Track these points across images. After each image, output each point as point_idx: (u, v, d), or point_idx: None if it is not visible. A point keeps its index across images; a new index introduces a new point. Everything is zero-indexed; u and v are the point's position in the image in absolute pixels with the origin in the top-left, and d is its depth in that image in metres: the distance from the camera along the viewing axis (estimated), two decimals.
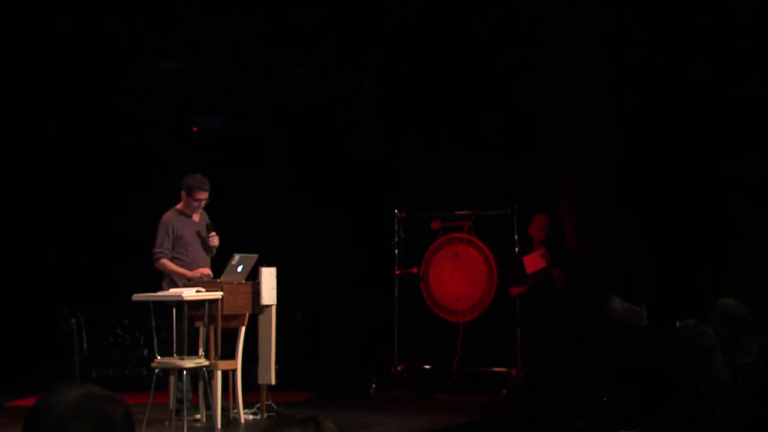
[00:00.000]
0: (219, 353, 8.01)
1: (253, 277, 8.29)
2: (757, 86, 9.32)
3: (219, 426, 7.88)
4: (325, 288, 11.19)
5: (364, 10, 10.25)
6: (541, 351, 9.65)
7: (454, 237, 10.32)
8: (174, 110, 11.80)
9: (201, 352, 8.02)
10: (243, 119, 11.86)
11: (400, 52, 10.78)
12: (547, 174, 10.38)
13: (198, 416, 8.19)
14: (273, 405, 8.45)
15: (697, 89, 9.54)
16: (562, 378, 9.13)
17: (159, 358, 7.90)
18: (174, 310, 7.93)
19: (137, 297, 7.94)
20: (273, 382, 8.39)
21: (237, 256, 8.12)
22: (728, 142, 9.49)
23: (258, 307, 8.28)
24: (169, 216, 8.59)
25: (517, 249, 10.01)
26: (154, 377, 7.87)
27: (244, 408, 8.26)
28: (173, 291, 8.05)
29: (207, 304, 7.94)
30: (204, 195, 8.54)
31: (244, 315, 8.22)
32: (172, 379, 8.06)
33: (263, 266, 8.27)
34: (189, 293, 7.87)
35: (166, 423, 7.91)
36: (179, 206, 8.65)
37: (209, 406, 8.01)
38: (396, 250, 10.48)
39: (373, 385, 10.06)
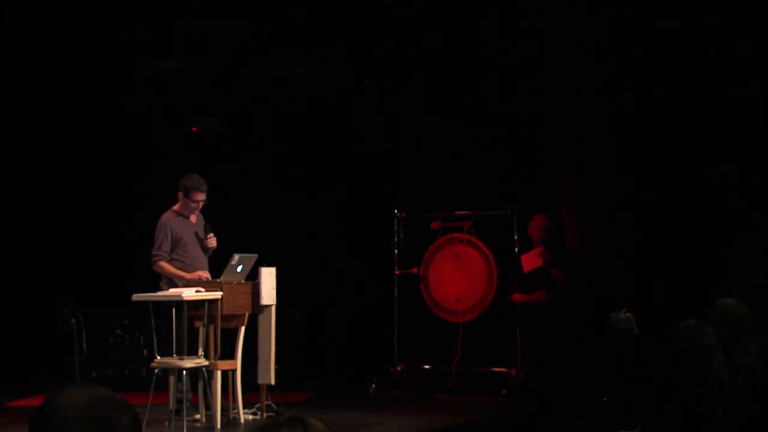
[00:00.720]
0: (219, 353, 8.01)
1: (253, 277, 8.28)
2: (757, 86, 9.31)
3: (219, 426, 7.87)
4: (324, 288, 11.19)
5: (364, 10, 10.24)
6: (541, 351, 9.64)
7: (454, 237, 10.31)
8: (174, 110, 11.79)
9: (201, 352, 8.01)
10: (243, 119, 11.85)
11: (400, 52, 10.77)
12: (547, 174, 10.37)
13: (198, 416, 8.19)
14: (273, 405, 8.44)
15: (697, 89, 9.53)
16: (562, 378, 9.12)
17: (159, 358, 7.90)
18: (174, 310, 7.92)
19: (137, 297, 7.93)
20: (273, 382, 8.38)
21: (236, 256, 8.11)
22: (728, 142, 9.48)
23: (258, 307, 8.28)
24: (167, 217, 8.57)
25: (516, 249, 10.00)
26: (154, 377, 7.87)
27: (244, 408, 8.26)
28: (173, 291, 8.04)
29: (207, 304, 7.94)
30: (201, 196, 8.52)
31: (244, 315, 8.21)
32: (172, 379, 8.06)
33: (263, 266, 8.27)
34: (189, 293, 7.86)
35: (166, 423, 7.90)
36: (176, 207, 8.62)
37: (209, 406, 8.01)
38: (396, 250, 10.46)
39: (373, 385, 10.06)
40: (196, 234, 8.62)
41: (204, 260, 8.65)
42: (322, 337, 11.17)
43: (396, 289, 10.42)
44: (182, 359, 7.88)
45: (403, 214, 10.49)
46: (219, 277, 8.16)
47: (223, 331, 8.06)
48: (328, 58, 11.00)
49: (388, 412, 8.91)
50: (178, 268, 8.46)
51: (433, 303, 10.37)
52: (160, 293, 8.13)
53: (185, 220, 8.60)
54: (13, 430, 7.78)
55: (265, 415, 8.36)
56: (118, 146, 11.71)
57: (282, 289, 8.40)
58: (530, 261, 9.80)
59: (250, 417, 8.32)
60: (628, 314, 6.28)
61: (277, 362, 8.42)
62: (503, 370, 9.83)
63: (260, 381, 8.40)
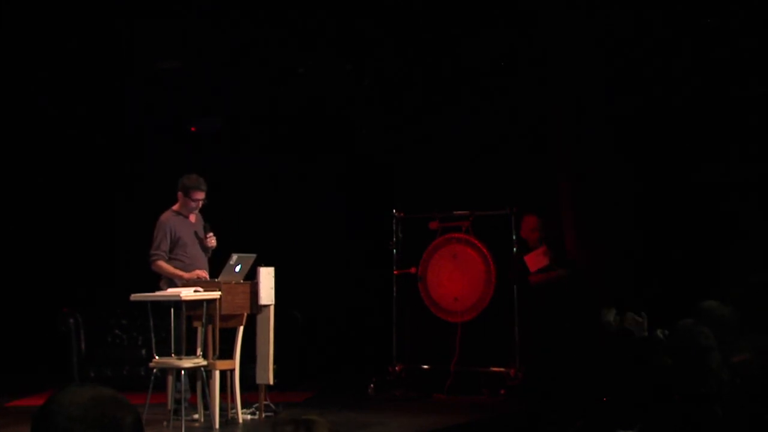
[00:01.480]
0: (217, 353, 8.01)
1: (252, 276, 8.28)
2: (757, 86, 9.31)
3: (217, 426, 7.87)
4: (323, 288, 11.18)
5: (364, 9, 10.24)
6: (541, 351, 9.64)
7: (452, 237, 10.30)
8: (173, 110, 11.78)
9: (199, 352, 8.00)
10: (243, 119, 11.85)
11: (400, 53, 10.77)
12: (546, 174, 10.36)
13: (196, 416, 8.18)
14: (271, 405, 8.44)
15: (697, 89, 9.53)
16: (562, 378, 9.12)
17: (157, 358, 7.89)
18: (172, 310, 7.91)
19: (135, 297, 7.92)
20: (271, 381, 8.38)
21: (235, 256, 8.11)
22: (728, 142, 9.48)
23: (256, 307, 8.27)
24: (167, 217, 8.57)
25: (515, 249, 10.00)
26: (153, 377, 7.86)
27: (243, 408, 8.25)
28: (171, 291, 8.03)
29: (205, 304, 7.94)
30: (201, 195, 8.52)
31: (243, 315, 8.21)
32: (171, 379, 8.05)
33: (261, 266, 8.26)
34: (187, 293, 7.86)
35: (165, 423, 7.90)
36: (176, 207, 8.63)
37: (207, 406, 8.00)
38: (394, 250, 10.46)
39: (372, 386, 10.05)
40: (196, 234, 8.62)
41: (204, 260, 8.64)
42: (321, 336, 11.17)
43: (394, 289, 10.41)
44: (181, 359, 7.87)
45: (402, 214, 10.48)
46: (217, 277, 8.15)
47: (221, 331, 8.06)
48: (328, 58, 10.99)
49: (387, 412, 8.90)
50: (178, 268, 8.46)
51: (431, 303, 10.36)
52: (158, 293, 8.12)
53: (185, 220, 8.59)
54: (12, 430, 7.78)
55: (263, 415, 8.36)
56: (118, 146, 11.69)
57: (281, 289, 8.39)
58: (535, 261, 9.79)
59: (249, 417, 8.32)
60: (639, 318, 6.27)
61: (276, 362, 8.41)
62: (502, 370, 9.83)
63: (259, 381, 8.40)
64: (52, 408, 2.25)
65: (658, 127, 9.74)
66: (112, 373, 10.31)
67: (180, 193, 8.56)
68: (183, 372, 7.92)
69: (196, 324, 8.08)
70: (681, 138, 9.66)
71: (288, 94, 11.45)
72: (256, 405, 8.43)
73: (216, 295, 7.94)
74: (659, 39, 9.54)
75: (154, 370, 7.92)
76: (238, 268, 8.13)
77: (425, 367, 10.23)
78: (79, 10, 10.04)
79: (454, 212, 10.30)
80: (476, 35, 10.23)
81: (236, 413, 8.18)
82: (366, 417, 8.57)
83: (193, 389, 8.20)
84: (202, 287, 8.00)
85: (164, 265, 8.44)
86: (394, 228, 10.44)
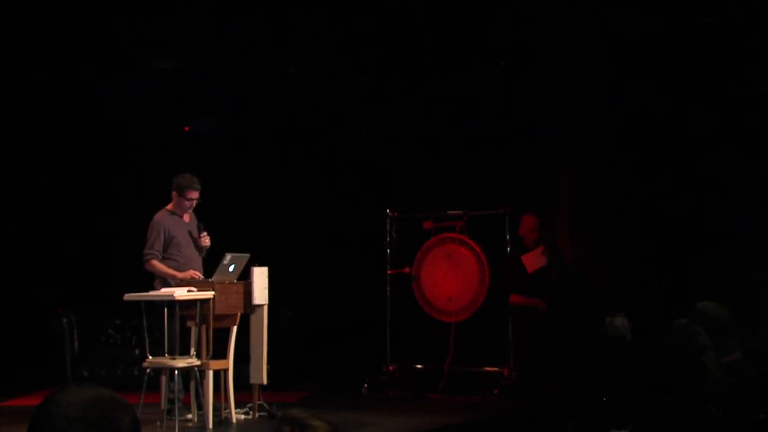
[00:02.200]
0: (211, 353, 7.98)
1: (245, 276, 8.26)
2: (757, 86, 9.32)
3: (210, 426, 7.85)
4: (317, 287, 11.16)
5: (363, 10, 10.24)
6: (535, 352, 9.64)
7: (446, 237, 10.29)
8: (172, 110, 11.75)
9: (193, 351, 7.99)
10: (238, 119, 11.83)
11: (398, 53, 10.77)
12: (542, 174, 10.37)
13: (190, 416, 8.16)
14: (265, 405, 8.42)
15: (697, 89, 9.54)
16: (556, 379, 9.12)
17: (150, 357, 7.87)
18: (166, 309, 7.90)
19: (129, 297, 7.91)
20: (265, 381, 8.36)
21: (229, 256, 8.09)
22: (728, 142, 9.49)
23: (250, 307, 8.25)
24: (161, 216, 8.54)
25: (508, 249, 10.00)
26: (146, 377, 7.85)
27: (236, 408, 8.23)
28: (165, 291, 8.02)
29: (199, 304, 7.92)
30: (195, 194, 8.50)
31: (236, 315, 8.19)
32: (164, 379, 8.04)
33: (255, 266, 8.25)
34: (181, 293, 7.84)
35: (158, 423, 7.88)
36: (170, 206, 8.60)
37: (201, 406, 7.99)
38: (388, 250, 10.44)
39: (365, 385, 10.05)
40: (190, 233, 8.59)
41: (198, 260, 8.62)
42: (315, 336, 11.15)
43: (388, 288, 10.40)
44: (174, 359, 7.86)
45: (396, 214, 10.47)
46: (211, 277, 8.14)
47: (215, 330, 8.04)
48: (327, 59, 10.99)
49: (383, 412, 8.89)
50: (172, 268, 8.43)
51: (425, 303, 10.35)
52: (152, 293, 8.10)
53: (179, 219, 8.57)
54: (7, 429, 7.76)
55: (257, 414, 8.34)
56: (113, 146, 11.66)
57: (274, 288, 8.38)
58: (533, 261, 9.79)
59: (242, 417, 8.31)
60: (623, 320, 6.28)
61: (271, 362, 8.40)
62: (495, 369, 9.82)
63: (252, 381, 8.39)
64: (50, 408, 2.24)
65: (658, 127, 9.75)
66: (105, 373, 10.29)
67: (174, 193, 8.54)
68: (176, 372, 7.90)
69: (189, 324, 8.06)
70: (680, 138, 9.67)
71: (285, 94, 11.44)
72: (250, 405, 8.41)
73: (209, 294, 7.92)
74: (659, 39, 9.54)
75: (148, 370, 7.91)
76: (231, 268, 8.12)
77: (419, 366, 10.22)
78: (79, 10, 10.04)
79: (448, 212, 10.29)
80: (475, 35, 10.24)
81: (230, 413, 8.16)
82: (360, 417, 8.56)
83: (186, 389, 8.19)
84: (195, 287, 7.98)
85: (158, 264, 8.42)
86: (388, 228, 10.43)
